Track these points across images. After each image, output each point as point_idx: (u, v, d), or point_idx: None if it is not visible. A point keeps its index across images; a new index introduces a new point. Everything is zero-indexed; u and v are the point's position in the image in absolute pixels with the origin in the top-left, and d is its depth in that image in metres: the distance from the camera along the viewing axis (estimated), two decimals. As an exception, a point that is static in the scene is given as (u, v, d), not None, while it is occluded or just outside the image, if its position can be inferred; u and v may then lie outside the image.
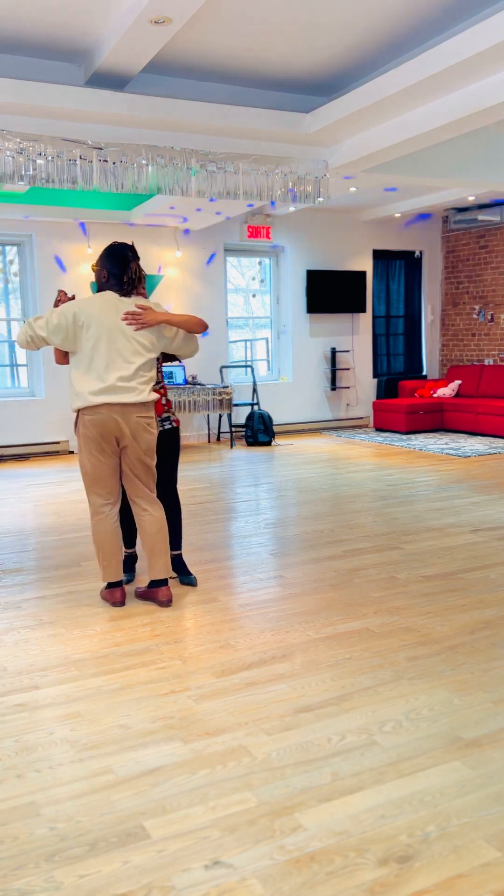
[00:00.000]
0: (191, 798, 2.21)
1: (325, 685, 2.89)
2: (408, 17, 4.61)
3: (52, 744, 2.53)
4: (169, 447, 4.11)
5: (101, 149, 5.65)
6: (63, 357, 3.84)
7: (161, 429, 4.06)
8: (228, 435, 10.16)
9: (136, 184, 5.83)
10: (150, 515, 3.79)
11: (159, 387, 4.08)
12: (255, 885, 1.85)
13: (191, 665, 3.11)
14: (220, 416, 9.92)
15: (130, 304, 3.67)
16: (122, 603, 3.82)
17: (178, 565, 4.18)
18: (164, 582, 3.82)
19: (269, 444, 9.52)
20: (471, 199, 9.32)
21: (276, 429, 10.35)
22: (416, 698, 2.77)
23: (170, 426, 4.09)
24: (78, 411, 3.69)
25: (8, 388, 9.20)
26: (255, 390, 9.86)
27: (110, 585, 3.85)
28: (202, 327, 3.74)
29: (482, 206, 9.96)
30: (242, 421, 10.15)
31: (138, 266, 3.71)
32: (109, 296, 3.66)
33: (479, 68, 4.70)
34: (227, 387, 9.25)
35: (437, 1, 4.42)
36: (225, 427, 10.16)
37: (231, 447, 9.44)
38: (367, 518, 5.53)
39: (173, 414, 4.14)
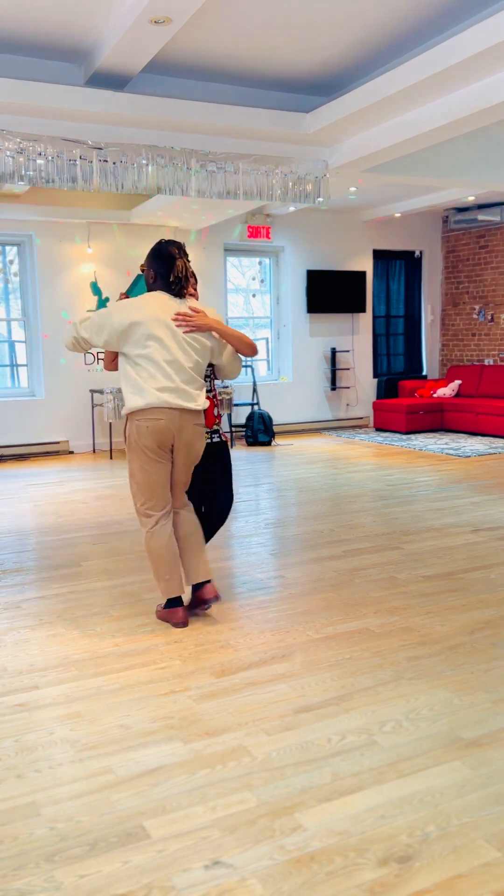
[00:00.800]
0: (191, 798, 2.21)
1: (325, 685, 2.89)
2: (408, 16, 4.61)
3: (52, 744, 2.53)
4: (219, 460, 3.88)
5: (101, 149, 5.65)
6: (112, 362, 3.67)
7: (209, 441, 3.83)
8: (228, 435, 10.17)
9: (136, 184, 5.83)
10: (183, 517, 3.63)
11: (211, 395, 3.84)
12: (255, 885, 1.85)
13: (191, 665, 3.11)
14: (220, 415, 9.92)
15: (184, 305, 3.48)
16: (184, 623, 3.52)
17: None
18: (205, 582, 3.62)
19: (269, 444, 9.52)
20: (471, 199, 9.32)
21: (276, 429, 10.35)
22: (416, 698, 2.77)
23: (218, 439, 3.87)
24: (129, 416, 3.46)
25: (8, 388, 9.20)
26: (255, 390, 9.85)
27: (170, 603, 3.56)
28: (251, 350, 3.58)
29: (482, 206, 9.96)
30: (242, 421, 10.15)
31: (185, 264, 3.49)
32: (161, 295, 3.47)
33: (479, 68, 4.70)
34: (227, 386, 9.25)
35: (437, 1, 4.42)
36: (225, 427, 10.16)
37: (231, 447, 9.44)
38: (367, 518, 5.53)
39: (221, 427, 3.91)
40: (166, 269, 3.46)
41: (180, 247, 3.50)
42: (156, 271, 3.50)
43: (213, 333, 3.54)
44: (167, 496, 3.53)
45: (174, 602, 3.54)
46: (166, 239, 3.54)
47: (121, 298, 3.67)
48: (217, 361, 3.64)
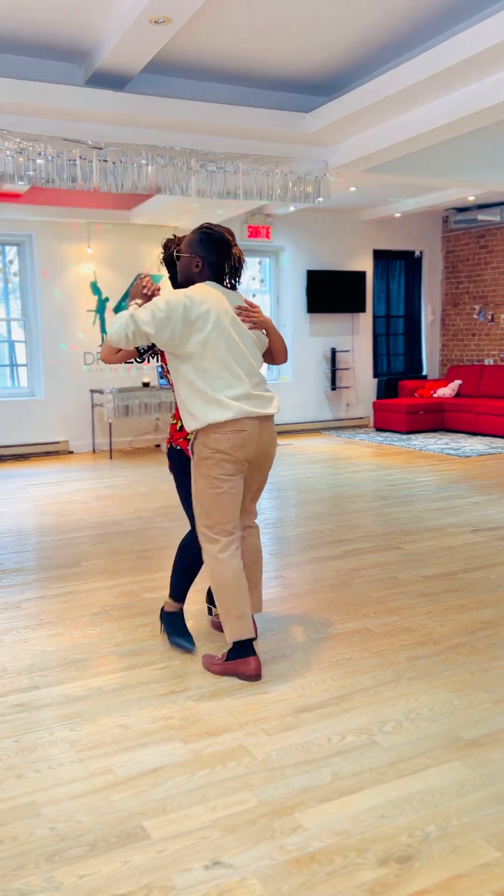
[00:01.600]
0: (191, 798, 2.20)
1: (325, 685, 2.89)
2: (408, 16, 4.61)
3: (52, 744, 2.53)
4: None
5: (101, 149, 5.65)
6: (115, 354, 3.12)
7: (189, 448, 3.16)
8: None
9: (136, 184, 5.83)
10: (249, 544, 3.21)
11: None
12: (255, 885, 1.85)
13: (191, 665, 3.11)
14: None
15: (240, 298, 3.08)
16: (259, 674, 2.96)
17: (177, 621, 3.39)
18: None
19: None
20: (471, 199, 9.31)
21: (275, 428, 10.35)
22: (416, 698, 2.77)
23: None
24: (201, 430, 2.96)
25: (8, 388, 9.20)
26: (255, 390, 9.85)
27: (239, 650, 2.97)
28: (285, 357, 3.23)
29: (482, 206, 9.95)
30: (242, 421, 10.14)
31: (241, 253, 3.09)
32: (214, 286, 3.02)
33: (479, 68, 4.70)
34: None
35: (437, 1, 4.42)
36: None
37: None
38: (367, 518, 5.52)
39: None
40: (219, 257, 3.03)
41: (232, 233, 3.09)
42: (204, 259, 3.03)
43: (263, 332, 3.13)
44: (238, 515, 3.04)
45: (245, 648, 2.98)
46: (214, 224, 3.08)
47: (149, 291, 3.14)
48: None
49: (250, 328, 3.03)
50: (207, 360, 2.94)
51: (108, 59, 4.82)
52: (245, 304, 3.06)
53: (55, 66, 5.22)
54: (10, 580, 4.28)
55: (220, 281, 3.08)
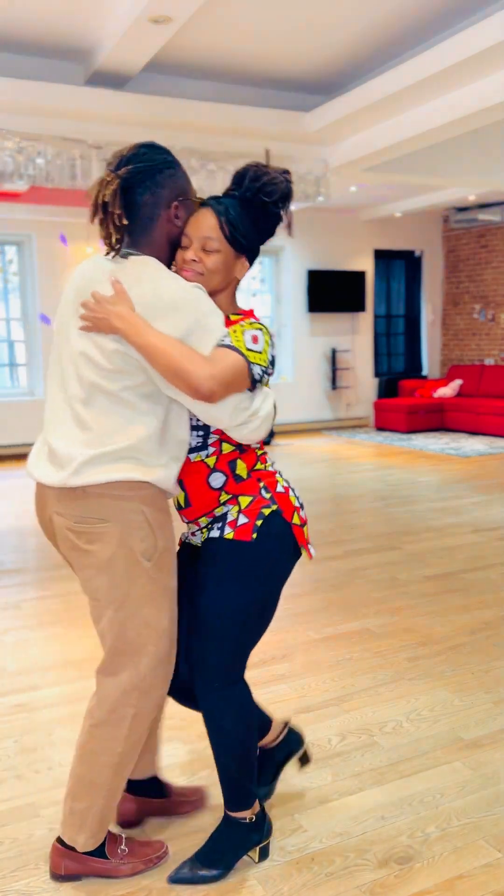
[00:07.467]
0: (191, 799, 2.20)
1: (325, 686, 2.89)
2: (408, 16, 4.61)
3: (52, 744, 2.52)
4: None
5: (100, 148, 5.65)
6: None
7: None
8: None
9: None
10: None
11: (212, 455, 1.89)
12: (256, 886, 1.84)
13: (191, 665, 3.10)
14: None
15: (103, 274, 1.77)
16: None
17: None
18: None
19: (268, 443, 9.52)
20: (471, 198, 9.31)
21: (276, 429, 10.34)
22: (416, 699, 2.76)
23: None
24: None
25: (7, 388, 9.20)
26: (255, 390, 9.85)
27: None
28: (180, 383, 1.74)
29: (482, 206, 9.95)
30: (243, 421, 10.15)
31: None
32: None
33: (478, 68, 4.69)
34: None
35: (436, 1, 4.42)
36: (225, 427, 10.15)
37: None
38: (368, 518, 5.52)
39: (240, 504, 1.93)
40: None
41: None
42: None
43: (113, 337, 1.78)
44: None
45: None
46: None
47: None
48: None
49: (82, 328, 1.74)
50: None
51: (108, 59, 4.82)
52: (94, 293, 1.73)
53: (55, 65, 5.22)
54: (10, 580, 4.28)
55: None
